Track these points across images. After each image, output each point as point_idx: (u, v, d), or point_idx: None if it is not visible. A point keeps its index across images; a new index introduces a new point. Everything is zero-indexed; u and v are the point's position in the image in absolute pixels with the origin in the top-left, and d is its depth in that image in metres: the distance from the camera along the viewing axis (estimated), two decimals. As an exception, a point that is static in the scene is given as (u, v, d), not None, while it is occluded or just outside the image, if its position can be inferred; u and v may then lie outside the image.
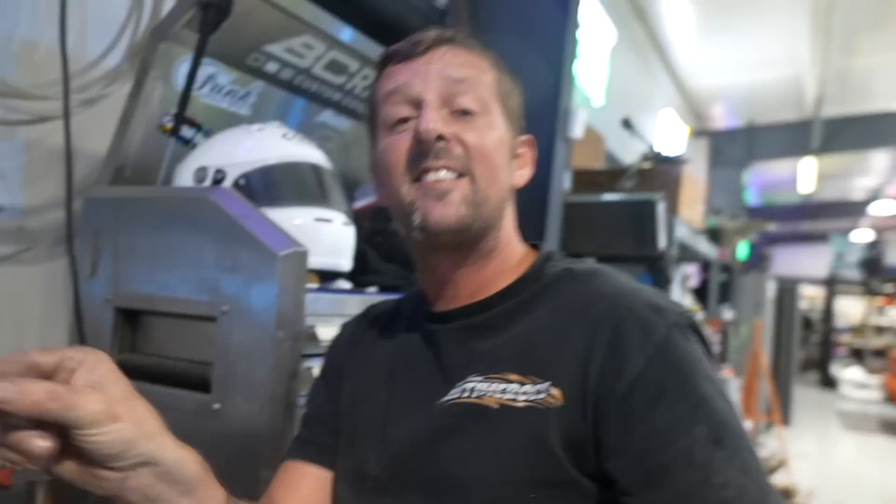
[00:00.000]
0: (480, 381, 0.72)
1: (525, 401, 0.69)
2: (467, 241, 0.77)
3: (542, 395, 0.68)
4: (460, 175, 0.75)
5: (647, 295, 0.72)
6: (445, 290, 0.82)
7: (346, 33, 1.55)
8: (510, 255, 0.83)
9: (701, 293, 4.22)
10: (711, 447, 0.63)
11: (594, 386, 0.67)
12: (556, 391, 0.68)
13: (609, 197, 2.69)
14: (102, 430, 0.54)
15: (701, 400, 0.65)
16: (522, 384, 0.70)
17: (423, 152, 0.74)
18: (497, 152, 0.77)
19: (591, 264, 0.81)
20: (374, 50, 1.62)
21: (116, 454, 0.56)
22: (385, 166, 0.78)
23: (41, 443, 0.52)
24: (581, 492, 0.66)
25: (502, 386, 0.71)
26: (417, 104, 0.76)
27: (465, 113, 0.76)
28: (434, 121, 0.73)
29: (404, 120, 0.77)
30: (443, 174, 0.74)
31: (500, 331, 0.76)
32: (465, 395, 0.73)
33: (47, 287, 1.45)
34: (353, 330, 0.95)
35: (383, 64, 0.81)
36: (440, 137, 0.73)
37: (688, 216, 3.14)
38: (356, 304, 1.22)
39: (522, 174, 0.85)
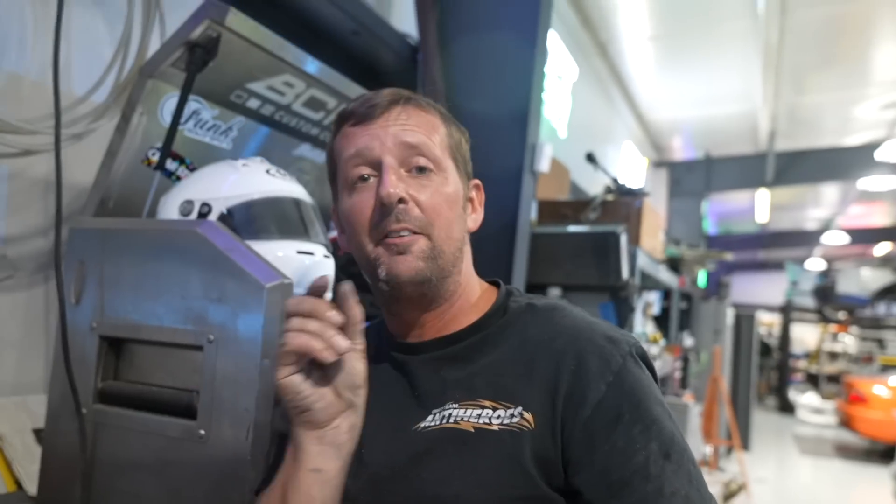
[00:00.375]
0: (456, 408, 0.79)
1: (499, 424, 0.76)
2: (428, 291, 0.84)
3: (515, 419, 0.76)
4: (418, 233, 0.82)
5: (603, 328, 0.82)
6: (412, 329, 0.89)
7: (325, 72, 1.61)
8: (470, 294, 0.90)
9: (662, 320, 4.34)
10: (662, 461, 0.72)
11: (561, 410, 0.75)
12: (528, 415, 0.76)
13: (573, 228, 2.78)
14: (361, 360, 0.78)
15: (652, 421, 0.74)
16: (495, 409, 0.77)
17: (385, 214, 0.81)
18: (450, 208, 0.85)
19: (551, 300, 0.90)
20: (351, 87, 1.69)
21: (357, 383, 0.78)
22: (351, 225, 0.85)
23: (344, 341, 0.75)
24: None
25: (477, 411, 0.78)
26: (376, 166, 0.83)
27: (420, 170, 0.83)
28: (394, 185, 0.80)
29: (364, 177, 0.84)
30: (404, 234, 0.81)
31: (471, 361, 0.83)
32: (444, 420, 0.79)
33: (27, 314, 1.47)
34: None
35: (341, 122, 0.88)
36: (400, 200, 0.80)
37: (649, 246, 3.26)
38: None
39: (475, 218, 0.93)
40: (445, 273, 0.84)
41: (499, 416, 0.76)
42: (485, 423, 0.76)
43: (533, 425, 0.75)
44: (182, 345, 1.14)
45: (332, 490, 0.78)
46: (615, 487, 0.72)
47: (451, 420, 0.79)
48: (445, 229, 0.83)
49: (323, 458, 0.77)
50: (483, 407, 0.78)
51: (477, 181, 0.94)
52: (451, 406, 0.80)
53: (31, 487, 1.30)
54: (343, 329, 0.75)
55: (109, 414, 1.19)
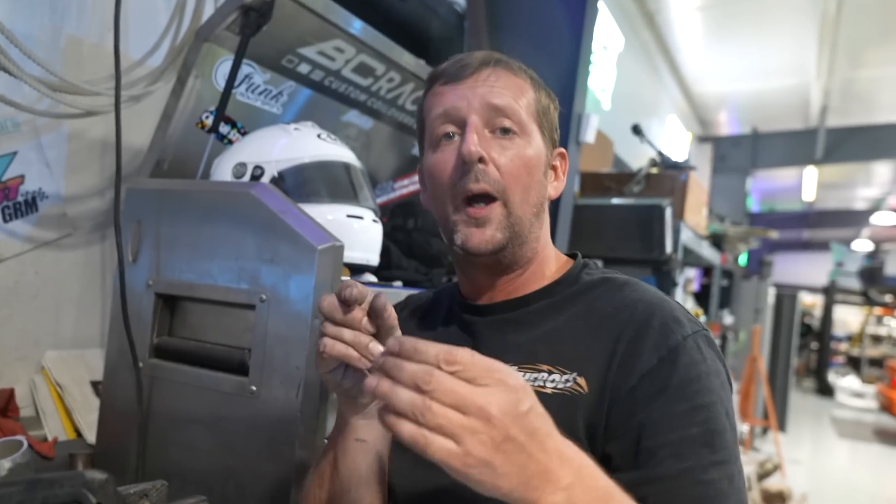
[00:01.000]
0: (514, 370, 0.80)
1: (553, 388, 0.77)
2: (503, 258, 0.86)
3: (569, 384, 0.77)
4: (495, 199, 0.83)
5: (673, 307, 0.81)
6: (483, 291, 0.91)
7: (375, 37, 1.61)
8: (545, 262, 0.91)
9: (701, 297, 4.29)
10: (702, 449, 0.69)
11: (613, 378, 0.75)
12: (581, 380, 0.76)
13: (618, 200, 2.75)
14: None
15: (701, 406, 0.72)
16: (551, 373, 0.79)
17: (465, 171, 0.82)
18: (530, 172, 0.85)
19: (626, 276, 0.89)
20: (400, 54, 1.69)
21: None
22: (433, 181, 0.87)
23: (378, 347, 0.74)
24: None
25: (534, 375, 0.79)
26: (461, 124, 0.84)
27: (504, 131, 0.84)
28: (476, 143, 0.81)
29: (449, 135, 0.85)
30: (481, 206, 0.83)
31: (535, 326, 0.85)
32: None
33: (86, 271, 1.52)
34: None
35: (432, 80, 0.89)
36: (481, 159, 0.81)
37: (693, 221, 3.21)
38: (383, 297, 1.29)
39: (556, 186, 0.93)
40: (522, 239, 0.85)
41: (553, 381, 0.78)
42: (539, 387, 0.78)
43: (586, 390, 0.76)
44: (235, 304, 1.17)
45: (375, 456, 0.83)
46: (641, 457, 0.71)
47: None
48: (522, 193, 0.84)
49: (366, 431, 0.82)
50: (540, 371, 0.79)
51: (562, 150, 0.94)
52: None
53: (90, 436, 1.36)
54: (377, 334, 0.76)
55: (165, 368, 1.23)
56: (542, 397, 0.76)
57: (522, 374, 0.80)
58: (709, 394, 0.73)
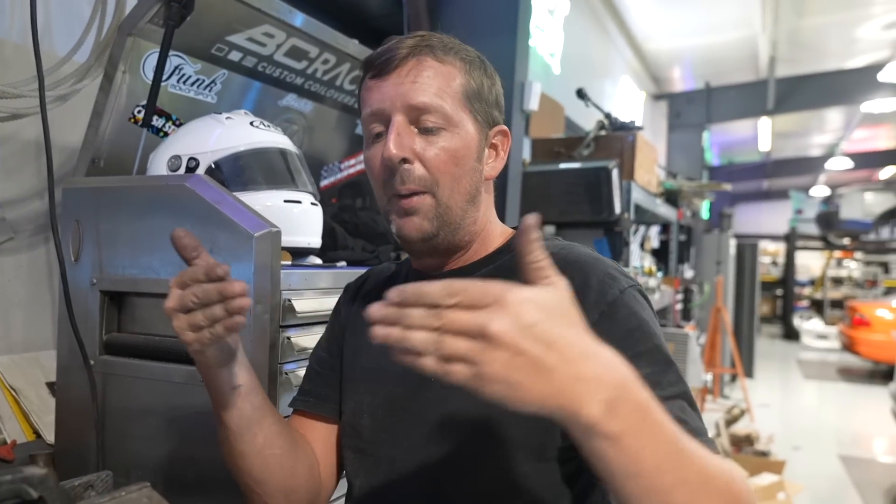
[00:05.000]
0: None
1: None
2: (437, 245, 0.90)
3: None
4: (424, 192, 0.86)
5: (605, 265, 0.86)
6: (431, 269, 0.96)
7: (304, 20, 1.60)
8: (488, 239, 0.95)
9: (661, 254, 4.38)
10: (653, 390, 0.71)
11: None
12: None
13: (565, 165, 2.79)
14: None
15: (645, 352, 0.76)
16: None
17: (391, 172, 0.86)
18: (458, 163, 0.87)
19: (565, 242, 0.93)
20: (333, 35, 1.69)
21: None
22: (370, 174, 0.92)
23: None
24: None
25: None
26: (388, 123, 0.86)
27: (428, 129, 0.86)
28: (396, 146, 0.84)
29: (379, 134, 0.88)
30: (411, 195, 0.86)
31: None
32: None
33: (31, 274, 1.52)
34: (356, 290, 1.08)
35: (365, 69, 0.91)
36: (404, 160, 0.84)
37: (644, 180, 3.26)
38: (327, 279, 1.31)
39: (494, 165, 0.94)
40: (454, 227, 0.89)
41: None
42: None
43: None
44: (179, 296, 1.18)
45: (256, 394, 0.90)
46: None
47: None
48: (450, 185, 0.87)
49: (237, 376, 0.87)
50: None
51: (503, 127, 0.95)
52: None
53: (49, 436, 1.38)
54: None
55: (116, 364, 1.25)
56: None
57: None
58: (651, 338, 0.78)
